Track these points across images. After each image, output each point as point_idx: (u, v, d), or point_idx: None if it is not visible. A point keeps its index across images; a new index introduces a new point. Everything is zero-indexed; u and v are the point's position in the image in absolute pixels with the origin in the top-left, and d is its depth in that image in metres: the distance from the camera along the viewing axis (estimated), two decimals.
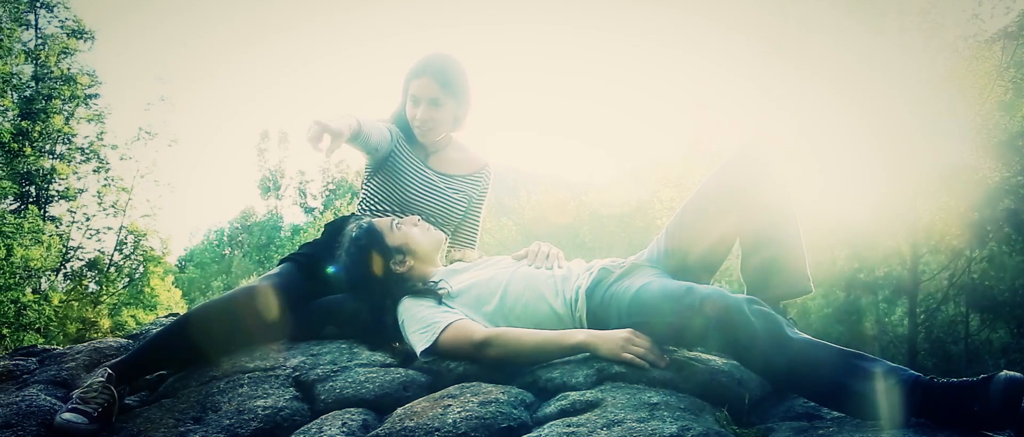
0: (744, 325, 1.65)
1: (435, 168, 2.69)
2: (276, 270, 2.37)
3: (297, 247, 2.69)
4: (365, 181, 2.73)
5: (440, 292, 2.16)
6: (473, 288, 2.16)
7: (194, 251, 38.16)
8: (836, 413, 1.68)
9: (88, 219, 18.28)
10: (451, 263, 2.41)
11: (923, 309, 14.92)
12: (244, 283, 2.50)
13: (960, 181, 13.35)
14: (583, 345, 1.90)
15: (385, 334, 2.22)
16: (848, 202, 13.22)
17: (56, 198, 17.86)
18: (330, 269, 2.38)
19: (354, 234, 2.26)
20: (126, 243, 18.71)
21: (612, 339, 1.87)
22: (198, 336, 2.14)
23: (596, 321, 2.01)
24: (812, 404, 1.76)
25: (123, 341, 2.67)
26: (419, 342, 2.04)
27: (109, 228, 18.49)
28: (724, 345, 1.77)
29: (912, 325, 14.26)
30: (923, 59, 13.50)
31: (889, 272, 15.29)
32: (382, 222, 2.28)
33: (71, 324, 15.98)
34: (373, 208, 2.64)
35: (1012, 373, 1.38)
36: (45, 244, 15.43)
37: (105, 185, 18.33)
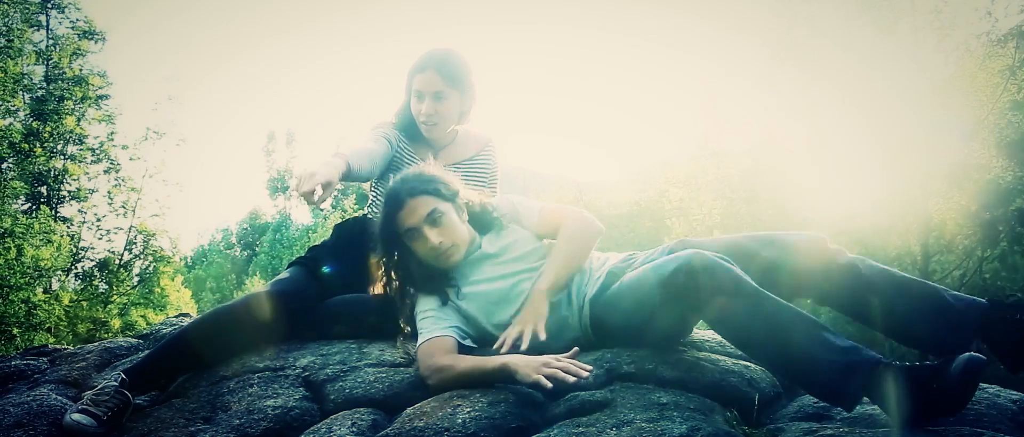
0: (717, 281, 1.65)
1: (441, 163, 2.66)
2: (284, 274, 2.37)
3: (306, 249, 2.69)
4: (374, 184, 2.72)
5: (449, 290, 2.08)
6: (488, 295, 2.06)
7: (204, 250, 38.41)
8: (846, 413, 1.67)
9: (99, 219, 18.32)
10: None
11: None
12: (256, 285, 2.51)
13: (971, 180, 13.26)
14: (503, 368, 1.78)
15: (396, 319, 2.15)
16: (858, 201, 13.15)
17: (67, 198, 17.93)
18: (325, 269, 2.37)
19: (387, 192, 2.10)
20: (136, 243, 18.79)
21: (530, 362, 1.75)
22: (203, 346, 2.15)
23: (601, 327, 1.99)
24: (822, 404, 1.75)
25: (133, 341, 2.69)
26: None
27: (119, 228, 18.53)
28: (712, 313, 1.72)
29: None
30: (935, 58, 13.41)
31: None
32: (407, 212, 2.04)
33: (81, 324, 16.06)
34: None
35: (974, 354, 1.43)
36: (56, 244, 15.49)
37: (115, 185, 18.37)
